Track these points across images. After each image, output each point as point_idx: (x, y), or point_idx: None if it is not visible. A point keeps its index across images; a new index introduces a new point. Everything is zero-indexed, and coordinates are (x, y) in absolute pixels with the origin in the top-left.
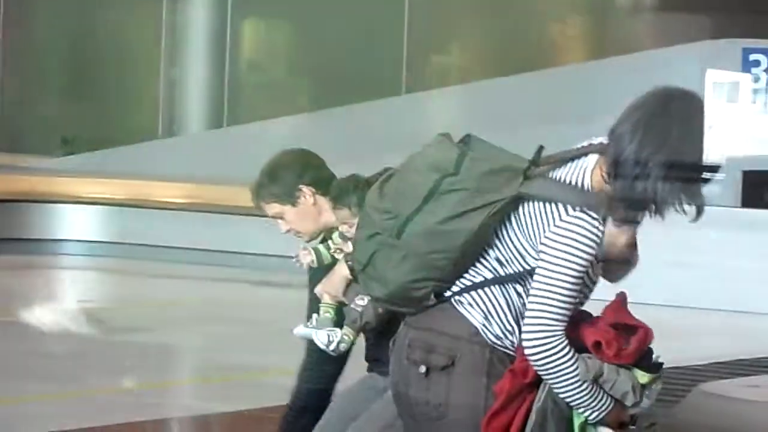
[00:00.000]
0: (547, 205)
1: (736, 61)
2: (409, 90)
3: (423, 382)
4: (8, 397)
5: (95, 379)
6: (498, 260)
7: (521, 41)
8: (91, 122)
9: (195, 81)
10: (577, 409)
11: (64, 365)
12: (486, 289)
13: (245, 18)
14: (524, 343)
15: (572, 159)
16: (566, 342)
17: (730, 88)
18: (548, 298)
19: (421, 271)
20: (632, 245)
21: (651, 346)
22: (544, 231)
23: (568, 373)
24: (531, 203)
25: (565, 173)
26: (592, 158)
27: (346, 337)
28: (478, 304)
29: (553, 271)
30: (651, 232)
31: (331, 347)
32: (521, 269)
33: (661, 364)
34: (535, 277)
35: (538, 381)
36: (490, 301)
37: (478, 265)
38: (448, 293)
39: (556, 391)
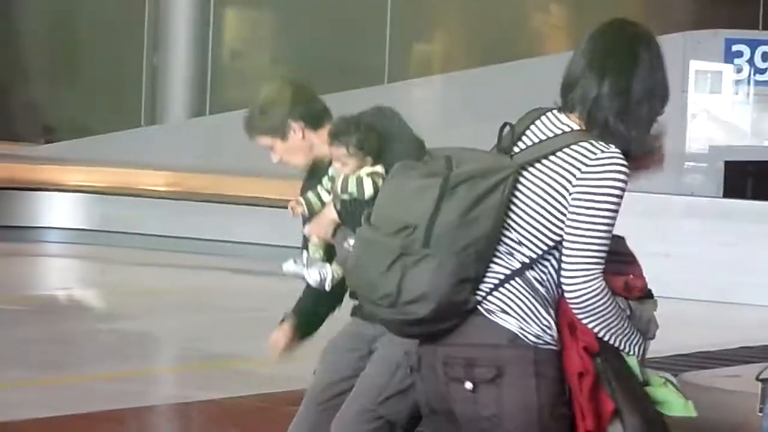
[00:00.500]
0: (567, 156)
1: (718, 52)
2: (392, 79)
3: (470, 397)
4: None
5: (76, 367)
6: (513, 248)
7: (504, 31)
8: (73, 110)
9: (178, 69)
10: (621, 347)
11: (45, 352)
12: (509, 286)
13: (228, 6)
14: (569, 288)
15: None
16: (605, 282)
17: (712, 79)
18: (592, 237)
19: (458, 272)
20: None
21: None
22: (573, 177)
23: (612, 312)
24: (542, 164)
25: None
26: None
27: (335, 274)
28: (510, 308)
29: (596, 209)
30: (633, 222)
31: (326, 283)
32: (537, 251)
33: (651, 290)
34: (573, 222)
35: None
36: (520, 300)
37: (496, 260)
38: (473, 302)
39: (598, 332)
